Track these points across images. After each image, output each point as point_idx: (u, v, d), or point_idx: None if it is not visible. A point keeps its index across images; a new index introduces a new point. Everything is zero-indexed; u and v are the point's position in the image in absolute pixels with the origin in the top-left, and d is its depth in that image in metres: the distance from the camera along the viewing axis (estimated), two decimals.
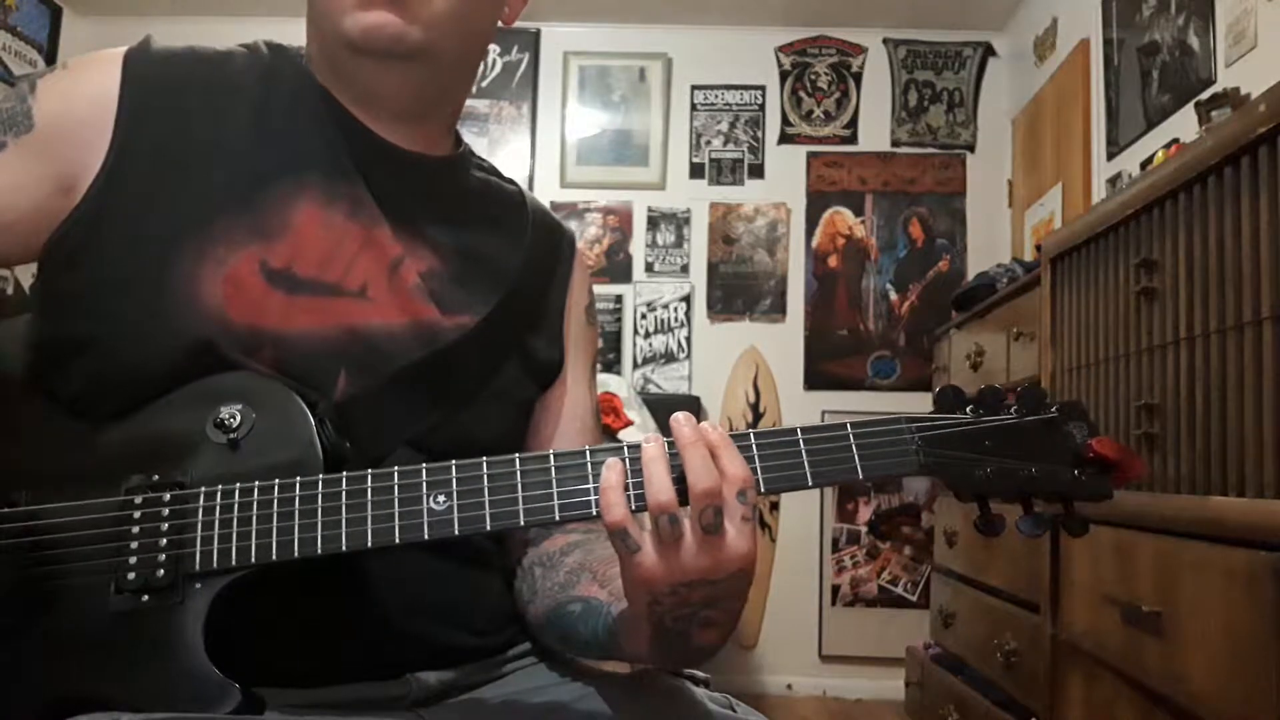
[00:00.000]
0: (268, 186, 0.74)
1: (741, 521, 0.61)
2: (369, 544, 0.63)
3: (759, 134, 3.54)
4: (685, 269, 3.50)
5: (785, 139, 3.54)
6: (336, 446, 0.68)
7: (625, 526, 0.60)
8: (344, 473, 0.64)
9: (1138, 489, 1.40)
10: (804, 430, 0.65)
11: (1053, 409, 0.68)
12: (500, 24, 0.85)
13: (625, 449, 0.64)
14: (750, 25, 3.54)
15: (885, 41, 3.54)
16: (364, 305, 0.75)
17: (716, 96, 3.56)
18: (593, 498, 0.63)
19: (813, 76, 3.56)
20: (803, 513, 3.37)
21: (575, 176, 3.55)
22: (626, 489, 0.61)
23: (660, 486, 0.60)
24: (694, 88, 3.56)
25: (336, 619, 0.70)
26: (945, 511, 2.68)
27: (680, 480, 0.60)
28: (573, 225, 0.82)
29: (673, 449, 0.62)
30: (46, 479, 0.66)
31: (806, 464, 0.64)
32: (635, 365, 3.46)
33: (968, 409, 0.68)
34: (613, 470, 0.62)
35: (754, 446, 0.64)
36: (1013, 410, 0.68)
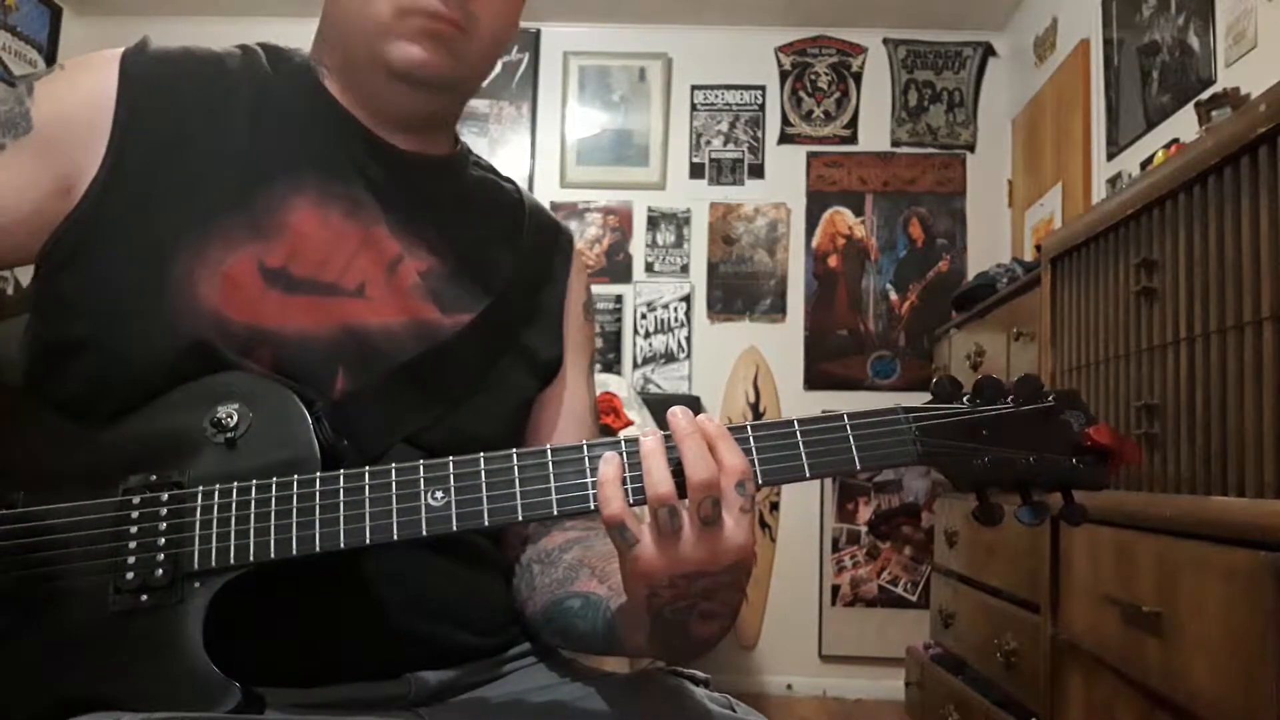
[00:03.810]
0: (264, 186, 0.74)
1: (740, 513, 0.61)
2: (367, 541, 0.63)
3: (759, 134, 3.54)
4: (685, 269, 3.50)
5: (785, 139, 3.54)
6: (334, 445, 0.68)
7: (623, 520, 0.60)
8: (341, 470, 0.64)
9: (1138, 488, 1.40)
10: (801, 422, 0.65)
11: (1049, 398, 0.68)
12: None
13: (623, 443, 0.64)
14: (750, 25, 3.54)
15: (885, 41, 3.54)
16: (362, 304, 0.75)
17: (716, 96, 3.56)
18: (590, 492, 0.63)
19: (813, 76, 3.56)
20: (803, 513, 3.37)
21: (575, 176, 3.55)
22: (624, 482, 0.62)
23: (659, 479, 0.60)
24: (694, 88, 3.56)
25: (336, 618, 0.70)
26: (945, 511, 2.68)
27: (678, 473, 0.61)
28: (573, 225, 0.82)
29: (670, 442, 0.62)
30: (44, 479, 0.66)
31: (804, 455, 0.64)
32: (635, 365, 3.46)
33: (965, 399, 0.68)
34: (610, 464, 0.62)
35: (751, 439, 0.64)
36: (1010, 400, 0.68)
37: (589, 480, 0.63)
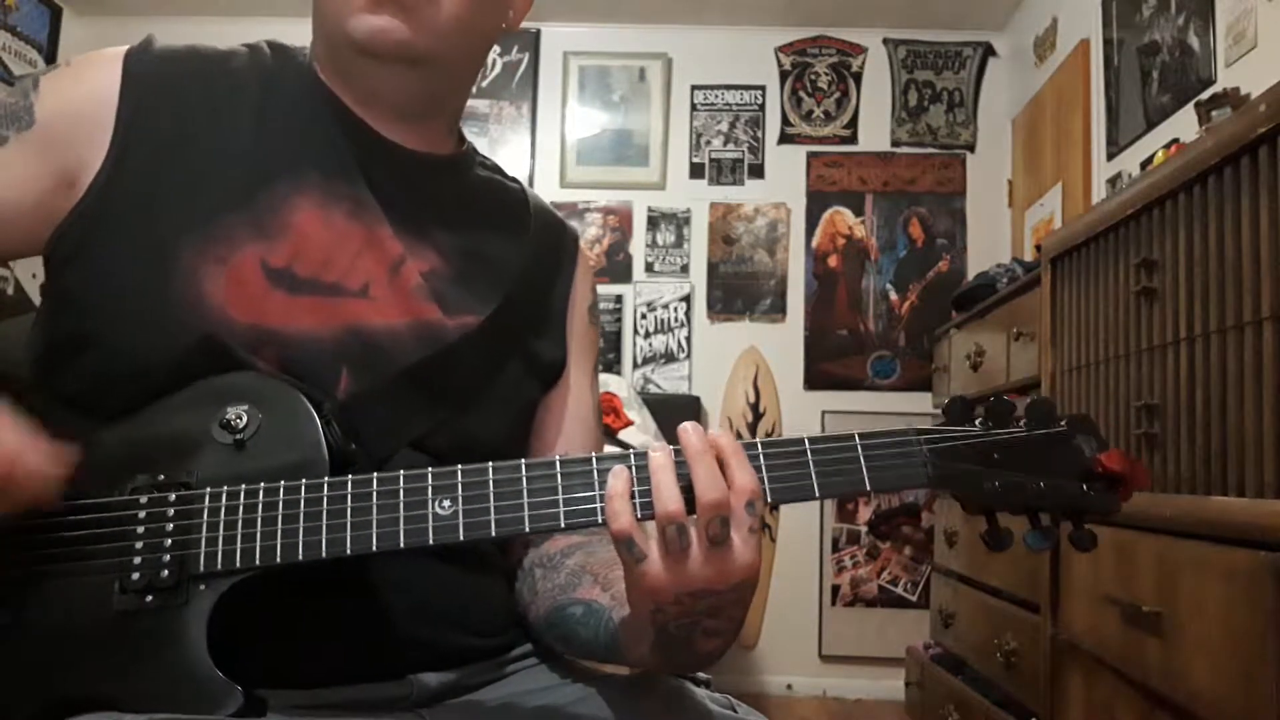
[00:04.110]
0: (268, 185, 0.74)
1: (748, 533, 0.60)
2: (373, 548, 0.62)
3: (759, 134, 3.54)
4: (685, 269, 3.50)
5: (785, 139, 3.54)
6: (343, 448, 0.68)
7: (631, 535, 0.60)
8: (349, 476, 0.64)
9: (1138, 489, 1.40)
10: (812, 441, 0.64)
11: (1061, 422, 0.67)
12: (505, 28, 0.85)
13: (632, 456, 0.63)
14: (750, 25, 3.54)
15: (885, 41, 3.54)
16: (366, 305, 0.75)
17: (716, 96, 3.56)
18: (598, 505, 0.63)
19: (813, 76, 3.56)
20: (803, 513, 3.37)
21: (575, 176, 3.55)
22: (633, 497, 0.61)
23: (668, 496, 0.60)
24: (694, 88, 3.56)
25: (339, 621, 0.70)
26: (945, 511, 2.68)
27: (688, 490, 0.60)
28: (575, 226, 0.82)
29: (679, 457, 0.61)
30: None
31: (814, 475, 0.64)
32: (635, 365, 3.46)
33: (976, 421, 0.67)
34: (619, 478, 0.61)
35: (761, 457, 0.64)
36: (1021, 423, 0.67)
37: (597, 493, 0.63)
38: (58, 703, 0.60)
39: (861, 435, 0.65)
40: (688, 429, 0.62)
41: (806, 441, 0.64)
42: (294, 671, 0.68)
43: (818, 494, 0.64)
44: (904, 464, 0.65)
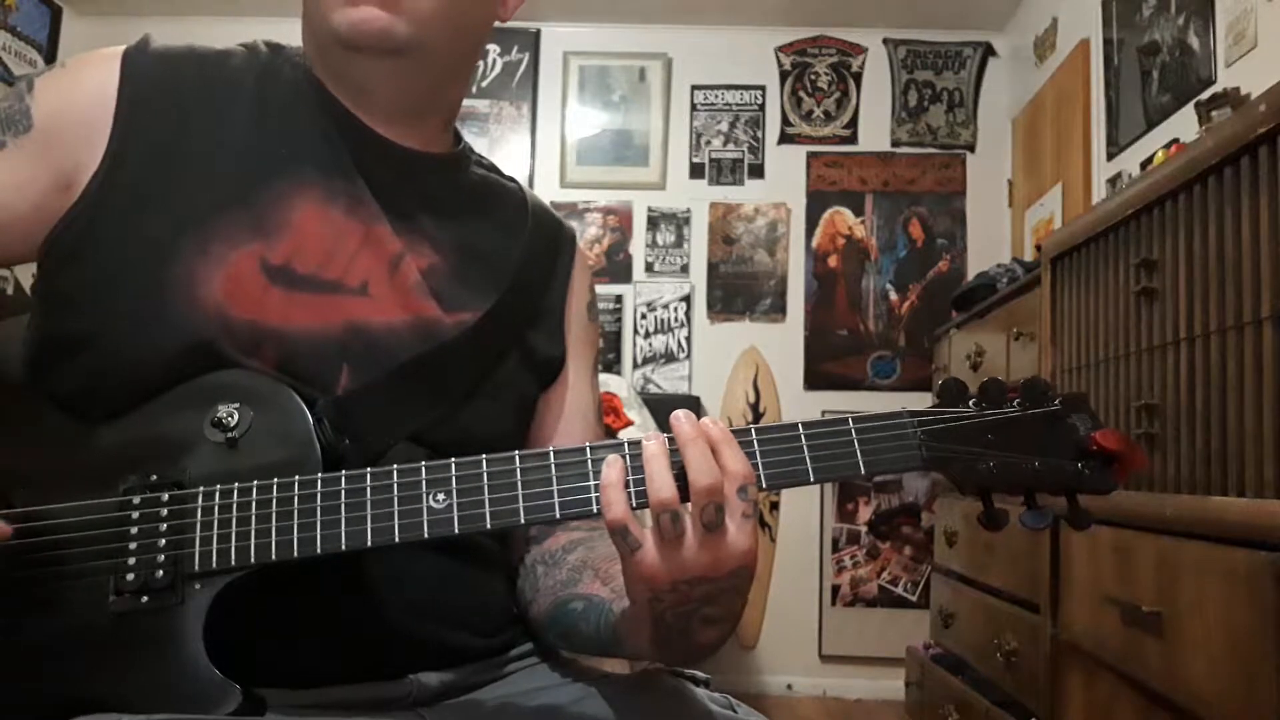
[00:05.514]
0: (267, 184, 0.74)
1: (742, 518, 0.61)
2: (369, 543, 0.62)
3: (759, 134, 3.54)
4: (685, 269, 3.50)
5: (785, 139, 3.54)
6: (334, 445, 0.68)
7: (626, 524, 0.60)
8: (343, 472, 0.64)
9: (1138, 488, 1.40)
10: (805, 425, 0.65)
11: (1055, 402, 0.67)
12: (499, 21, 0.85)
13: (626, 446, 0.63)
14: (750, 25, 3.54)
15: (885, 41, 3.54)
16: (365, 302, 0.75)
17: (716, 96, 3.56)
18: (593, 495, 0.63)
19: (813, 76, 3.56)
20: (803, 512, 3.37)
21: (575, 176, 3.55)
22: (627, 486, 0.61)
23: (661, 483, 0.60)
24: (694, 88, 3.56)
25: (337, 619, 0.70)
26: (945, 511, 2.68)
27: (681, 477, 0.60)
28: (573, 225, 0.82)
29: (673, 446, 0.62)
30: (44, 479, 0.66)
31: (808, 459, 0.64)
32: (635, 365, 3.46)
33: (970, 403, 0.67)
34: (613, 467, 0.62)
35: (755, 442, 0.64)
36: (1015, 403, 0.67)
37: (592, 483, 0.63)
38: (57, 704, 0.60)
39: (855, 419, 0.65)
40: (680, 416, 0.62)
41: (800, 426, 0.65)
42: (293, 671, 0.68)
43: (812, 478, 0.64)
44: (898, 446, 0.65)
